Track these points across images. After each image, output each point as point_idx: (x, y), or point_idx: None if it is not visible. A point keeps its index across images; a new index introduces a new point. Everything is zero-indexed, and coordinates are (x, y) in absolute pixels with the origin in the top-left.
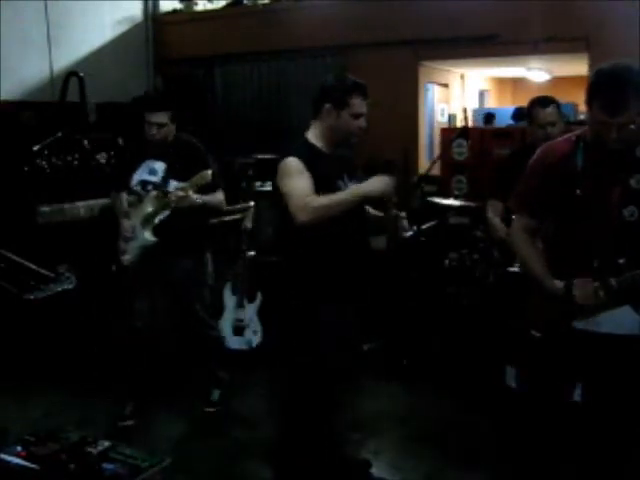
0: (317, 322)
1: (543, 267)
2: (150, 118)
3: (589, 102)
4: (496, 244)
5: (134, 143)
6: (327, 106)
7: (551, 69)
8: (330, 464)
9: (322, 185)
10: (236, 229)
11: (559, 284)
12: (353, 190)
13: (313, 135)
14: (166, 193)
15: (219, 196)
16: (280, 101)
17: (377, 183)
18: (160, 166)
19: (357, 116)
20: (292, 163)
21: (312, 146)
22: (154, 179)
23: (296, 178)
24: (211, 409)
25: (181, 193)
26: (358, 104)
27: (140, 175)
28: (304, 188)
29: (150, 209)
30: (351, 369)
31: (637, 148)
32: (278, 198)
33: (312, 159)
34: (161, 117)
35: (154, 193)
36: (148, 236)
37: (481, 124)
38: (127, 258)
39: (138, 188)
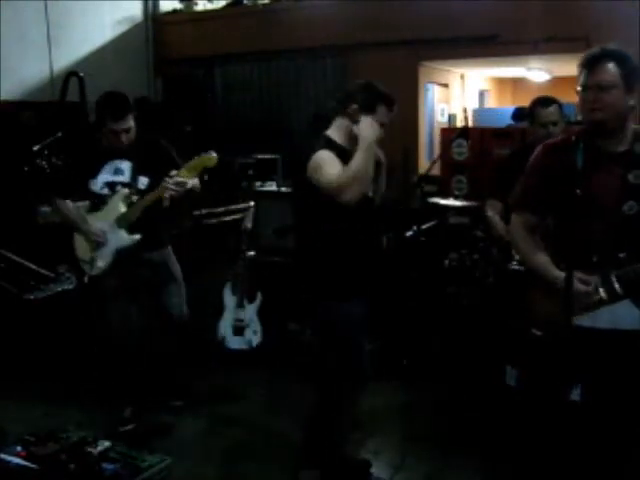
0: (346, 316)
1: (544, 258)
2: (118, 126)
3: (577, 81)
4: (496, 242)
5: (86, 148)
6: (354, 107)
7: (551, 69)
8: (332, 464)
9: None
10: (236, 229)
11: (561, 273)
12: (360, 146)
13: (335, 133)
14: (138, 190)
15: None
16: (280, 101)
17: (368, 127)
18: (125, 165)
19: (379, 125)
20: (325, 154)
21: (334, 143)
22: (121, 178)
23: (332, 165)
24: (126, 427)
25: (180, 179)
26: (383, 113)
27: (105, 177)
28: (341, 171)
29: (122, 208)
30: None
31: (635, 145)
32: (308, 193)
33: (338, 155)
34: (129, 121)
35: (125, 191)
36: (125, 236)
37: (482, 124)
38: (99, 266)
39: (105, 190)
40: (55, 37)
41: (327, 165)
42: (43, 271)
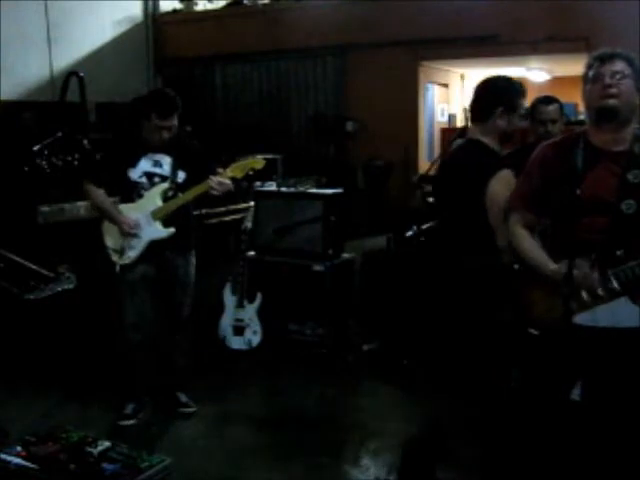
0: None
1: (544, 254)
2: (164, 123)
3: (584, 80)
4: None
5: (126, 138)
6: (500, 109)
7: (551, 69)
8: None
9: None
10: (236, 229)
11: (561, 267)
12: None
13: (486, 137)
14: (177, 184)
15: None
16: (280, 101)
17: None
18: (165, 159)
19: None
20: (508, 176)
21: (490, 150)
22: (159, 171)
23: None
24: (127, 422)
25: (224, 180)
26: (523, 107)
27: (144, 167)
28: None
29: (159, 202)
30: None
31: (635, 145)
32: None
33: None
34: (174, 120)
35: (164, 185)
36: (160, 228)
37: None
38: (130, 255)
39: (143, 179)
40: (55, 37)
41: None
42: (43, 271)
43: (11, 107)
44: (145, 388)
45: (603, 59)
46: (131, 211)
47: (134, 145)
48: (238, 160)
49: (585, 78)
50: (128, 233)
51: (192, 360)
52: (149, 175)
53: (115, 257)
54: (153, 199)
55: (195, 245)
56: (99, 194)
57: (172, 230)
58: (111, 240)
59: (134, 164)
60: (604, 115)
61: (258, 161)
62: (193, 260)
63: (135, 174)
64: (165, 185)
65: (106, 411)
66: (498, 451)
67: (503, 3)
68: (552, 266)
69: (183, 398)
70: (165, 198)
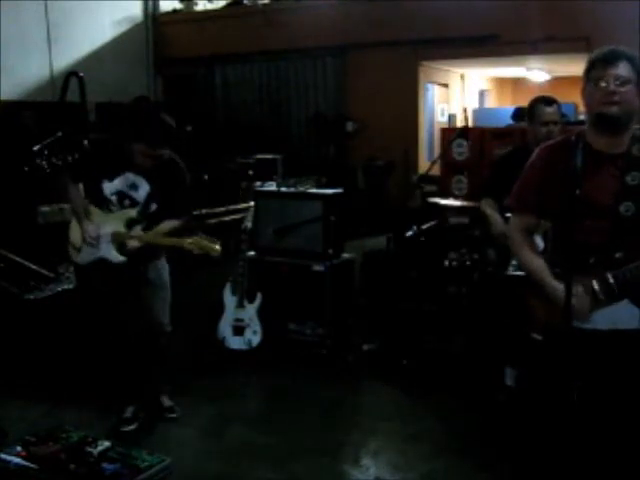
0: None
1: (544, 269)
2: (152, 152)
3: (586, 79)
4: (495, 240)
5: (113, 150)
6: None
7: (551, 69)
8: None
9: None
10: (236, 229)
11: (560, 288)
12: None
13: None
14: (147, 214)
15: (170, 224)
16: (280, 101)
17: None
18: (143, 184)
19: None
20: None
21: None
22: (134, 194)
23: None
24: (128, 428)
25: (136, 244)
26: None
27: (118, 185)
28: None
29: (122, 228)
30: None
31: (634, 147)
32: None
33: None
34: (165, 149)
35: (133, 213)
36: (114, 254)
37: (482, 124)
38: (83, 259)
39: (114, 198)
40: (55, 37)
41: None
42: (43, 271)
43: (11, 107)
44: (144, 390)
45: (607, 61)
46: (100, 220)
47: (118, 158)
48: (201, 237)
49: (586, 77)
50: (88, 241)
51: (169, 365)
52: (120, 195)
53: (72, 253)
54: (118, 222)
55: (167, 251)
56: (74, 191)
57: (121, 259)
58: (73, 236)
59: (111, 178)
60: (603, 122)
61: (215, 249)
62: (164, 264)
63: (108, 189)
64: (132, 214)
65: (106, 411)
66: (499, 451)
67: (503, 3)
68: (550, 282)
69: (166, 403)
70: (128, 225)
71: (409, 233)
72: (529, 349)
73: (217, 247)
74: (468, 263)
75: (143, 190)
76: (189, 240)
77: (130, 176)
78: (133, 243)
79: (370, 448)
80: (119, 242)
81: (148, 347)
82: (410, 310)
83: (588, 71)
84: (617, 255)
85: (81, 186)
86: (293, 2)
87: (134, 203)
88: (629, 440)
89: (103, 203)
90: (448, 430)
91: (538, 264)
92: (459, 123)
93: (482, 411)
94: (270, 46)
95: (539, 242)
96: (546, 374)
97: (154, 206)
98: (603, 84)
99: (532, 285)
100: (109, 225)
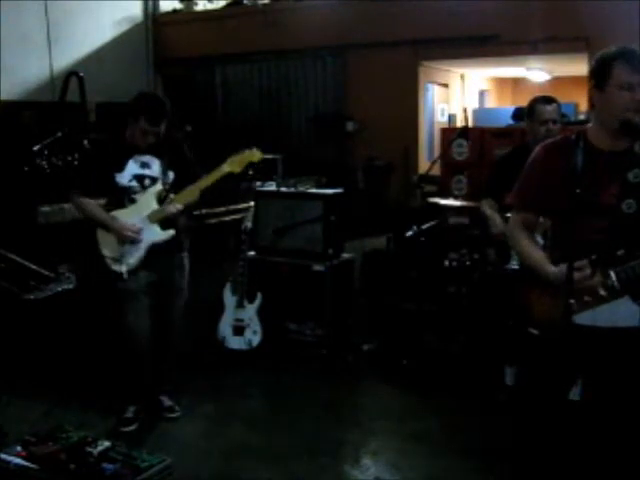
0: None
1: (543, 256)
2: (152, 129)
3: (603, 78)
4: (494, 240)
5: (110, 142)
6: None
7: (551, 69)
8: None
9: None
10: (236, 229)
11: (562, 271)
12: None
13: None
14: (168, 191)
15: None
16: (280, 101)
17: None
18: (153, 160)
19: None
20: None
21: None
22: (149, 172)
23: None
24: (128, 428)
25: (174, 209)
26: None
27: (132, 170)
28: None
29: (154, 204)
30: None
31: (635, 144)
32: None
33: None
34: (163, 126)
35: (158, 187)
36: (161, 233)
37: (482, 124)
38: (131, 262)
39: (133, 183)
40: (55, 37)
41: None
42: (43, 271)
43: (11, 107)
44: (144, 391)
45: (636, 66)
46: (126, 217)
47: (118, 149)
48: (234, 154)
49: (604, 78)
50: (132, 238)
51: (175, 365)
52: (139, 178)
53: (115, 266)
54: (148, 202)
55: (188, 246)
56: (90, 204)
57: (172, 232)
58: (108, 249)
59: (121, 168)
60: (628, 129)
61: (255, 154)
62: (187, 262)
63: (124, 179)
64: (159, 187)
65: (106, 411)
66: (499, 451)
67: (503, 3)
68: (551, 269)
69: (167, 402)
70: (160, 200)
71: (409, 233)
72: (527, 345)
73: (255, 151)
74: (468, 263)
75: (155, 165)
76: (226, 165)
77: (138, 157)
78: (172, 209)
79: (370, 448)
80: (159, 218)
81: (161, 342)
82: (410, 310)
83: (607, 71)
84: (619, 252)
85: (91, 200)
86: (293, 2)
87: (154, 179)
88: (629, 438)
89: (124, 194)
90: (448, 430)
91: (538, 254)
92: (459, 123)
93: (482, 411)
94: (270, 46)
95: (539, 241)
96: (544, 370)
97: (171, 174)
98: (634, 89)
99: (531, 279)
100: (140, 211)
